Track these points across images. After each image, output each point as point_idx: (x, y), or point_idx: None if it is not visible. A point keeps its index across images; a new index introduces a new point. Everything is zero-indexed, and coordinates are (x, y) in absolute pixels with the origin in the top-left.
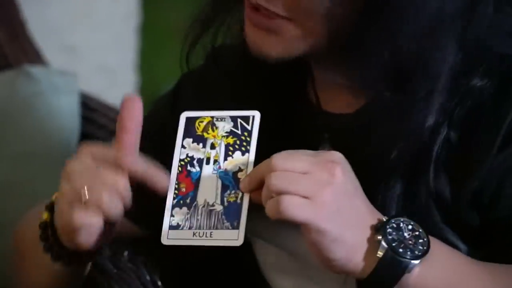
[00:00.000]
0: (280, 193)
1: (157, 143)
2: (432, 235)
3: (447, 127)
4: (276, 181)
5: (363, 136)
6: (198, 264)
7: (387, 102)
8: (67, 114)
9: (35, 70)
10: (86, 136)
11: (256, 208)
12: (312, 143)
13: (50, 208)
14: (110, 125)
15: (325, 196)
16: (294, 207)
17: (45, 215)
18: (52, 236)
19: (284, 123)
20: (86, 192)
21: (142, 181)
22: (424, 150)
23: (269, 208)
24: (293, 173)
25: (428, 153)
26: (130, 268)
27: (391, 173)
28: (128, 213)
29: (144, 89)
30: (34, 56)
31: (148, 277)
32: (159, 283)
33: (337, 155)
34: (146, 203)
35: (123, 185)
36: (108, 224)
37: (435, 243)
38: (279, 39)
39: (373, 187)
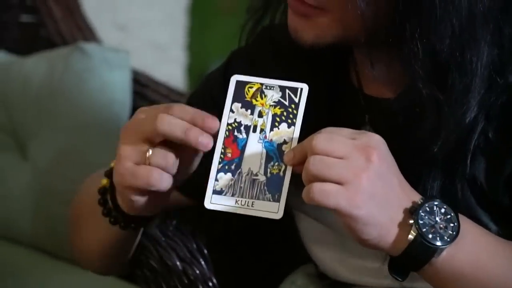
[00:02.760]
0: (315, 178)
1: None
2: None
3: (484, 120)
4: (312, 166)
5: (403, 122)
6: (242, 233)
7: (429, 97)
8: (119, 88)
9: (89, 46)
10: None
11: (298, 183)
12: (353, 124)
13: (109, 174)
14: (160, 100)
15: (359, 183)
16: (325, 195)
17: (104, 181)
18: (111, 200)
19: (328, 104)
20: (150, 152)
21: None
22: (463, 141)
23: (303, 193)
24: (330, 159)
25: (467, 143)
26: (177, 236)
27: (432, 162)
28: (175, 181)
29: (193, 66)
30: (88, 33)
31: (194, 245)
32: (205, 251)
33: (376, 139)
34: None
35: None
36: (166, 196)
37: (465, 223)
38: (313, 26)
39: (413, 172)
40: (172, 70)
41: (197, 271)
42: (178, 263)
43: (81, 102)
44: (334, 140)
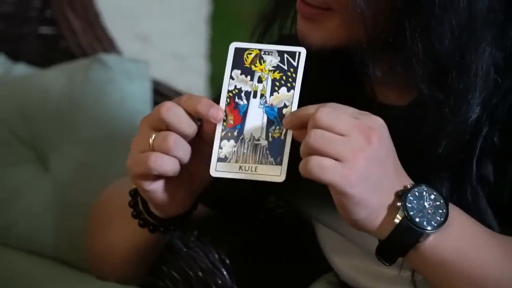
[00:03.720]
0: (314, 152)
1: None
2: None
3: (489, 122)
4: (313, 140)
5: (415, 128)
6: (263, 242)
7: (430, 98)
8: (139, 99)
9: (108, 58)
10: None
11: (317, 196)
12: None
13: None
14: None
15: (356, 162)
16: (321, 169)
17: None
18: (142, 202)
19: None
20: (153, 137)
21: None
22: (469, 142)
23: (300, 165)
24: (331, 134)
25: (472, 146)
26: (198, 247)
27: (439, 165)
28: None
29: (214, 75)
30: (108, 45)
31: (216, 255)
32: (227, 261)
33: (378, 121)
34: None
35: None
36: (186, 191)
37: (454, 212)
38: (320, 28)
39: (422, 176)
40: (193, 80)
41: (219, 281)
42: (199, 273)
43: (101, 114)
44: (337, 116)
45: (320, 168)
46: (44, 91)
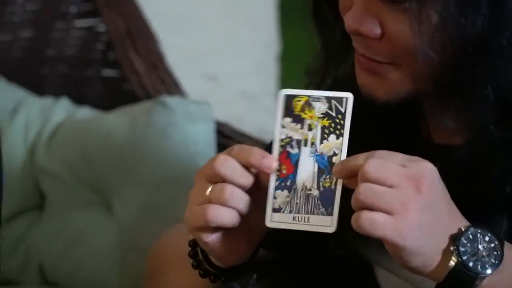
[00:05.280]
0: (364, 206)
1: None
2: None
3: None
4: (362, 195)
5: (472, 167)
6: (324, 284)
7: (495, 138)
8: (202, 142)
9: (171, 100)
10: None
11: (373, 239)
12: None
13: None
14: None
15: (408, 213)
16: (373, 224)
17: None
18: (201, 252)
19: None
20: (209, 189)
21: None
22: None
23: (352, 220)
24: (380, 187)
25: None
26: None
27: (500, 204)
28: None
29: None
30: (173, 86)
31: None
32: None
33: (428, 168)
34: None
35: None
36: (246, 241)
37: (509, 250)
38: (385, 83)
39: (480, 216)
40: (264, 119)
41: None
42: None
43: (164, 157)
44: (385, 168)
45: (371, 223)
46: (107, 134)
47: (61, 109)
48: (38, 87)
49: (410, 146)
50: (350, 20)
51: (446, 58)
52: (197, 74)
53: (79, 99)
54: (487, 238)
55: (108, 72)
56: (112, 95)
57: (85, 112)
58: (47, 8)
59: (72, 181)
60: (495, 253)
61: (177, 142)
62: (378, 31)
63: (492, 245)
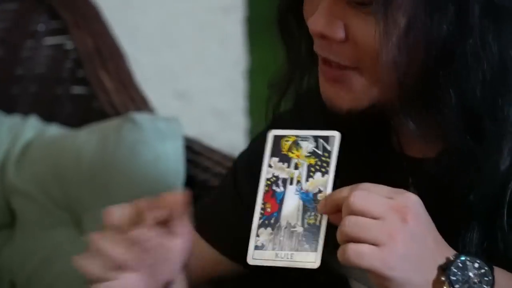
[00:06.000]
0: (350, 239)
1: None
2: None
3: None
4: (348, 228)
5: (445, 180)
6: None
7: (461, 148)
8: (172, 158)
9: (140, 117)
10: (191, 178)
11: None
12: (397, 186)
13: None
14: (214, 167)
15: (394, 244)
16: (359, 256)
17: None
18: None
19: (370, 169)
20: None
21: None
22: (499, 191)
23: (338, 253)
24: (365, 220)
25: (502, 194)
26: None
27: (469, 217)
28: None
29: (254, 132)
30: (141, 103)
31: None
32: None
33: (411, 199)
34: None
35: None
36: None
37: (500, 277)
38: (348, 91)
39: (452, 231)
40: (234, 136)
41: None
42: None
43: (134, 175)
44: (370, 200)
45: (358, 255)
46: (77, 152)
47: (30, 127)
48: (7, 106)
49: (384, 160)
50: (314, 23)
51: (411, 63)
52: (166, 92)
53: (49, 118)
54: (476, 265)
55: (78, 90)
56: (81, 113)
57: (54, 130)
58: (15, 26)
59: (43, 199)
60: (486, 278)
61: (147, 160)
62: (342, 34)
63: (483, 271)
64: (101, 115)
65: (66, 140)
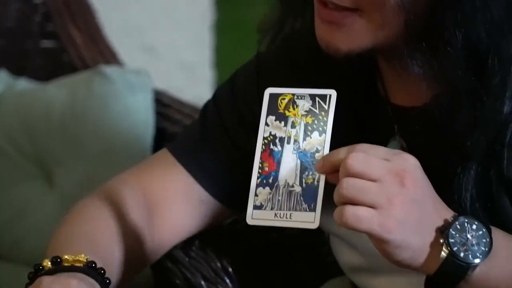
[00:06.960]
0: (348, 201)
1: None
2: (501, 220)
3: None
4: (346, 190)
5: (434, 127)
6: (267, 250)
7: (463, 91)
8: (142, 111)
9: (110, 70)
10: (160, 130)
11: (330, 205)
12: (383, 134)
13: None
14: (183, 119)
15: (392, 208)
16: (358, 219)
17: None
18: None
19: (356, 115)
20: None
21: None
22: (498, 136)
23: (335, 215)
24: (363, 182)
25: (503, 139)
26: (201, 256)
27: (467, 160)
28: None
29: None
30: (111, 57)
31: (219, 264)
32: (230, 269)
33: (410, 162)
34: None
35: None
36: None
37: (498, 237)
38: (347, 33)
39: (448, 175)
40: (201, 89)
41: None
42: (203, 283)
43: (105, 127)
44: (368, 162)
45: (356, 218)
46: (47, 105)
47: None
48: None
49: (370, 109)
50: None
51: (417, 3)
52: (134, 46)
53: (18, 71)
54: (474, 227)
55: (47, 44)
56: (51, 67)
57: (24, 84)
58: None
59: (13, 153)
60: (484, 240)
61: (117, 112)
62: None
63: (480, 232)
64: (70, 69)
65: (35, 94)
